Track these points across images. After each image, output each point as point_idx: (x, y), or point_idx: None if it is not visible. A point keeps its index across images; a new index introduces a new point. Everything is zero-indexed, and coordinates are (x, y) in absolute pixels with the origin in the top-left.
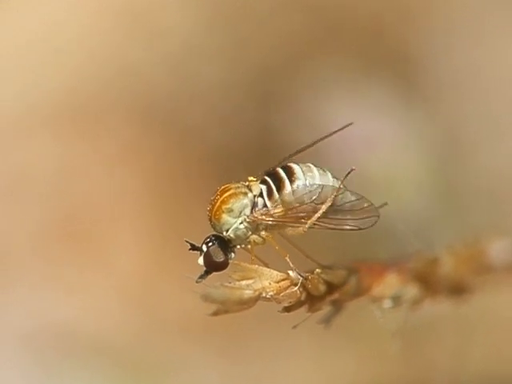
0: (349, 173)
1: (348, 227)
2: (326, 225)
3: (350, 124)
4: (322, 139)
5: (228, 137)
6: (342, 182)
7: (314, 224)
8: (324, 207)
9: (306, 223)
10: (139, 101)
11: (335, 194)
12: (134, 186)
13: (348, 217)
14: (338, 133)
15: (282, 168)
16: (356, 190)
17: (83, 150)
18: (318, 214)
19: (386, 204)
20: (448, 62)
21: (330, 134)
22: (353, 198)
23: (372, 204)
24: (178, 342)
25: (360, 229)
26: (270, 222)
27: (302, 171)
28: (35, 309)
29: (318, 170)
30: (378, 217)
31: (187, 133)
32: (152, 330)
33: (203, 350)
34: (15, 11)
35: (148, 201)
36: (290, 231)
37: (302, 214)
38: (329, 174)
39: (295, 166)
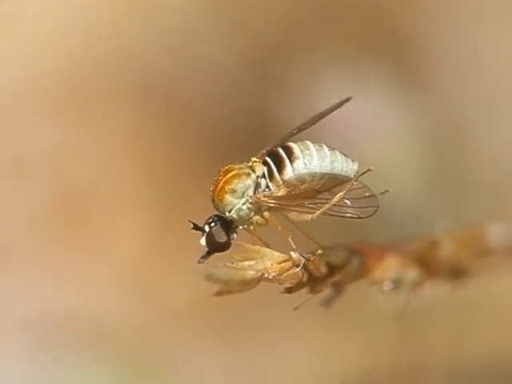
0: (365, 172)
1: (348, 215)
2: (328, 211)
3: (349, 99)
4: (321, 116)
5: (225, 118)
6: (356, 178)
7: (316, 210)
8: (335, 199)
9: (310, 210)
10: (136, 82)
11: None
12: (132, 170)
13: (349, 204)
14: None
15: (281, 148)
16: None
17: (80, 134)
18: (326, 206)
19: (388, 191)
20: (447, 47)
21: (329, 111)
22: (356, 187)
23: (374, 194)
24: (178, 328)
25: (359, 217)
26: (272, 205)
27: (300, 150)
28: (35, 295)
29: (315, 146)
30: (378, 207)
31: (184, 114)
32: (152, 316)
33: (203, 337)
34: None
35: (147, 185)
36: (296, 217)
37: (305, 198)
38: (325, 148)
39: (294, 145)
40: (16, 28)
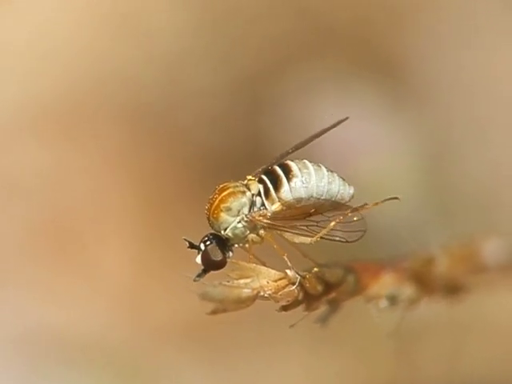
0: (389, 199)
1: (337, 238)
2: (318, 234)
3: (346, 119)
4: (317, 135)
5: (216, 139)
6: (376, 204)
7: (309, 232)
8: (331, 225)
9: (304, 232)
10: (127, 103)
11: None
12: (120, 190)
13: (338, 228)
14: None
15: (278, 166)
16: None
17: (70, 153)
18: (324, 231)
19: (396, 198)
20: (436, 64)
21: (326, 130)
22: (346, 210)
23: (362, 218)
24: (165, 346)
25: (347, 241)
26: (267, 225)
27: (299, 168)
28: (23, 312)
29: (313, 166)
30: (365, 231)
31: (175, 135)
32: (139, 333)
33: (193, 354)
34: (3, 16)
35: (135, 204)
36: (292, 238)
37: (299, 219)
38: (323, 169)
39: (292, 164)
40: (7, 50)
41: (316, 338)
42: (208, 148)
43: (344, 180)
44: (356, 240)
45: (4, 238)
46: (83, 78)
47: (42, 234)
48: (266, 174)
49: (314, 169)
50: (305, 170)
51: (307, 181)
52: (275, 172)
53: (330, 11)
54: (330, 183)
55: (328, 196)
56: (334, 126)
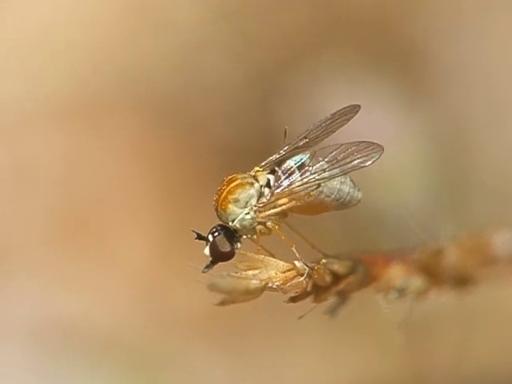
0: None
1: (355, 162)
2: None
3: (359, 107)
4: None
5: (235, 130)
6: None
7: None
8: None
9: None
10: (146, 96)
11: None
12: (141, 179)
13: (349, 160)
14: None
15: (292, 159)
16: (358, 185)
17: (90, 143)
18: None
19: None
20: (452, 55)
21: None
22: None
23: (373, 142)
24: (184, 335)
25: (363, 166)
26: (275, 210)
27: (312, 163)
28: (41, 303)
29: (328, 163)
30: (383, 150)
31: (194, 126)
32: (157, 324)
33: (208, 344)
34: (20, 3)
35: (155, 193)
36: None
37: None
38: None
39: (306, 158)
40: (25, 43)
41: (327, 328)
42: (226, 139)
43: (355, 184)
44: (373, 162)
45: (24, 227)
46: (103, 70)
47: (60, 225)
48: (279, 166)
49: (327, 161)
50: (322, 173)
51: (319, 176)
52: (288, 164)
53: (343, 3)
54: (341, 183)
55: (338, 196)
56: (348, 117)
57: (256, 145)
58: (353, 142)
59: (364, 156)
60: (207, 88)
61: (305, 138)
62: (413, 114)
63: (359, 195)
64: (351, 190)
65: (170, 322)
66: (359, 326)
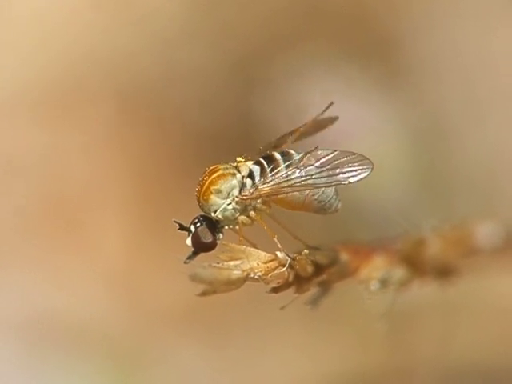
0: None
1: (339, 177)
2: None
3: (331, 104)
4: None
5: (210, 119)
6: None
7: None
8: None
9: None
10: (123, 86)
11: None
12: (117, 172)
13: (337, 171)
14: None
15: (280, 153)
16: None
17: (67, 133)
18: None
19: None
20: (430, 46)
21: (318, 116)
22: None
23: (367, 158)
24: (165, 329)
25: (350, 182)
26: (258, 200)
27: (300, 159)
28: (22, 296)
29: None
30: (372, 168)
31: (169, 116)
32: (139, 317)
33: (190, 338)
34: None
35: (131, 185)
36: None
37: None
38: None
39: (293, 153)
40: (4, 34)
41: (308, 321)
42: (202, 128)
43: (338, 194)
44: (359, 180)
45: (2, 222)
46: (81, 60)
47: (40, 219)
48: (264, 158)
49: (316, 166)
50: (307, 163)
51: (306, 173)
52: (274, 157)
53: None
54: (326, 188)
55: (321, 198)
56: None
57: (232, 134)
58: (347, 152)
59: (353, 171)
60: (184, 77)
61: (281, 138)
62: (391, 103)
63: (339, 205)
64: (334, 196)
65: (151, 316)
66: (340, 319)
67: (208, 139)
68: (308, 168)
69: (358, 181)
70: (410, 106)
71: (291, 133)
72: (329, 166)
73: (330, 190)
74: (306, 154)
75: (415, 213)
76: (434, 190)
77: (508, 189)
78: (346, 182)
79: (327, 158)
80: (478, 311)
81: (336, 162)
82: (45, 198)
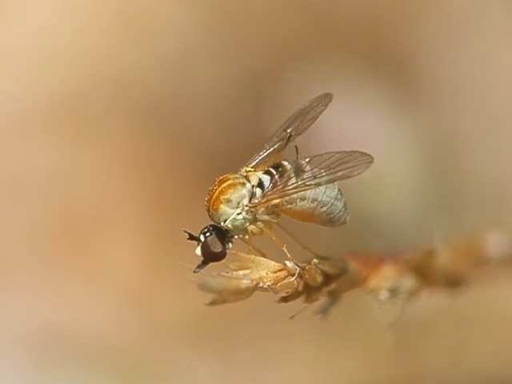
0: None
1: (339, 174)
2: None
3: (330, 95)
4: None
5: (225, 138)
6: None
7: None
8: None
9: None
10: (136, 103)
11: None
12: (130, 188)
13: (340, 168)
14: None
15: (290, 163)
16: (348, 190)
17: (80, 152)
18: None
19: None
20: (442, 61)
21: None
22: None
23: (365, 153)
24: (174, 344)
25: (350, 176)
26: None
27: (312, 171)
28: (32, 310)
29: (322, 169)
30: (372, 161)
31: (184, 135)
32: (149, 331)
33: (197, 350)
34: (11, 13)
35: (144, 202)
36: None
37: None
38: (336, 184)
39: (304, 164)
40: (13, 51)
41: (316, 333)
42: (216, 146)
43: (346, 207)
44: (361, 172)
45: (13, 237)
46: (94, 77)
47: (52, 231)
48: (274, 168)
49: (320, 168)
50: (314, 180)
51: (312, 176)
52: (284, 167)
53: (335, 10)
54: (336, 199)
55: (329, 210)
56: (324, 103)
57: (247, 151)
58: (347, 151)
59: (355, 166)
60: (198, 94)
61: (284, 130)
62: (404, 118)
63: (347, 218)
64: (342, 209)
65: (160, 329)
66: (349, 330)
67: (222, 157)
68: (314, 170)
69: (360, 173)
70: (422, 120)
71: (293, 121)
72: (333, 165)
73: (340, 203)
74: (311, 159)
75: (426, 225)
76: (445, 203)
77: None
78: (352, 175)
79: (331, 159)
80: (488, 322)
81: (340, 161)
82: (56, 215)
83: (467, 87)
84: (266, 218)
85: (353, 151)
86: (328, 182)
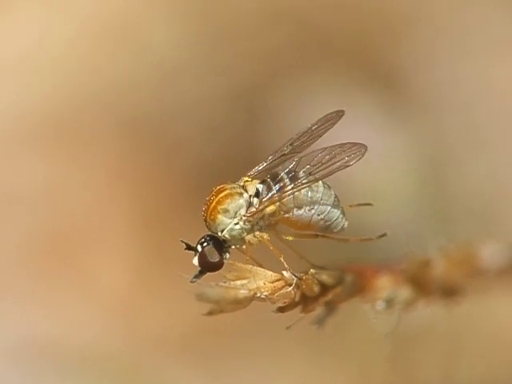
0: (363, 204)
1: (338, 164)
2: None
3: (343, 112)
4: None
5: (214, 150)
6: (355, 206)
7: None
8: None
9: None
10: (125, 115)
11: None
12: (117, 201)
13: (334, 161)
14: (326, 143)
15: (286, 172)
16: (343, 202)
17: (67, 165)
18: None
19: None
20: (432, 75)
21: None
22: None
23: (356, 142)
24: (161, 356)
25: (347, 166)
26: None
27: (299, 168)
28: (20, 323)
29: (324, 185)
30: (366, 149)
31: (173, 146)
32: (135, 344)
33: (186, 365)
34: (1, 25)
35: (131, 215)
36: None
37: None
38: (332, 191)
39: (292, 165)
40: (5, 60)
41: (313, 342)
42: (206, 159)
43: (344, 214)
44: (356, 161)
45: (2, 250)
46: (81, 90)
47: (40, 245)
48: (271, 177)
49: (324, 186)
50: (309, 177)
51: (313, 193)
52: (276, 172)
53: (326, 24)
54: (334, 206)
55: (327, 218)
56: (333, 122)
57: (238, 164)
58: (337, 145)
59: (348, 156)
60: (188, 107)
61: (290, 145)
62: (396, 130)
63: (345, 224)
64: (340, 216)
65: (148, 343)
66: (344, 340)
67: (211, 169)
68: (306, 168)
69: (356, 162)
70: (414, 132)
71: (300, 136)
72: (325, 160)
73: (337, 210)
74: (300, 158)
75: (421, 235)
76: (438, 214)
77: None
78: (346, 166)
79: (321, 154)
80: (482, 331)
81: (331, 155)
82: (44, 230)
83: (456, 100)
84: (263, 227)
85: (342, 143)
86: (325, 176)
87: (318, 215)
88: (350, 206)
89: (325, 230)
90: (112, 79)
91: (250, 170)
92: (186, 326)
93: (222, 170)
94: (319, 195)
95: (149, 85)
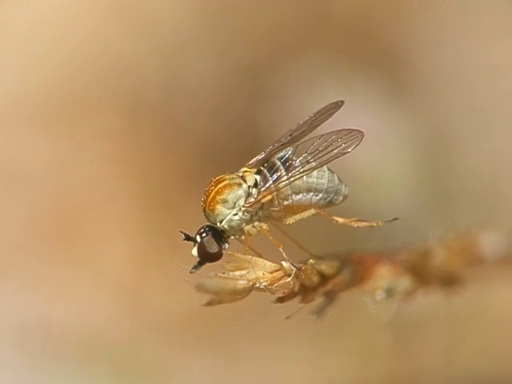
0: (391, 220)
1: (335, 151)
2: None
3: (342, 102)
4: (314, 125)
5: (217, 130)
6: (381, 224)
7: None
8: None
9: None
10: (128, 94)
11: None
12: (121, 181)
13: (331, 148)
14: (325, 129)
15: (278, 158)
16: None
17: (72, 146)
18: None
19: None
20: (435, 59)
21: (323, 117)
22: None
23: (352, 129)
24: (167, 340)
25: (345, 153)
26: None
27: (300, 162)
28: (25, 306)
29: (311, 154)
30: (363, 136)
31: (176, 126)
32: (142, 328)
33: (194, 349)
34: (2, 6)
35: (136, 196)
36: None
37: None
38: (325, 168)
39: (293, 157)
40: (7, 43)
41: (313, 333)
42: (209, 139)
43: (341, 180)
44: (354, 148)
45: (4, 232)
46: (84, 69)
47: (44, 227)
48: (264, 166)
49: (309, 152)
50: (306, 166)
51: (309, 177)
52: (273, 162)
53: (329, 3)
54: (329, 181)
55: (325, 194)
56: (332, 112)
57: (241, 144)
58: (333, 131)
59: (345, 143)
60: (191, 86)
61: (290, 135)
62: (397, 114)
63: (346, 191)
64: (339, 186)
65: (155, 327)
66: (345, 329)
67: (215, 149)
68: (303, 156)
69: (353, 149)
70: (415, 116)
71: (299, 127)
72: (322, 147)
73: (333, 183)
74: (296, 146)
75: (420, 223)
76: (440, 200)
77: None
78: (343, 153)
79: (317, 142)
80: (482, 320)
81: (327, 142)
82: (48, 209)
83: (459, 84)
84: (262, 218)
85: (339, 130)
86: (323, 163)
87: (317, 195)
88: (377, 223)
89: (329, 203)
90: (114, 59)
91: (250, 151)
92: (193, 310)
93: (225, 149)
94: (314, 178)
95: (151, 64)
